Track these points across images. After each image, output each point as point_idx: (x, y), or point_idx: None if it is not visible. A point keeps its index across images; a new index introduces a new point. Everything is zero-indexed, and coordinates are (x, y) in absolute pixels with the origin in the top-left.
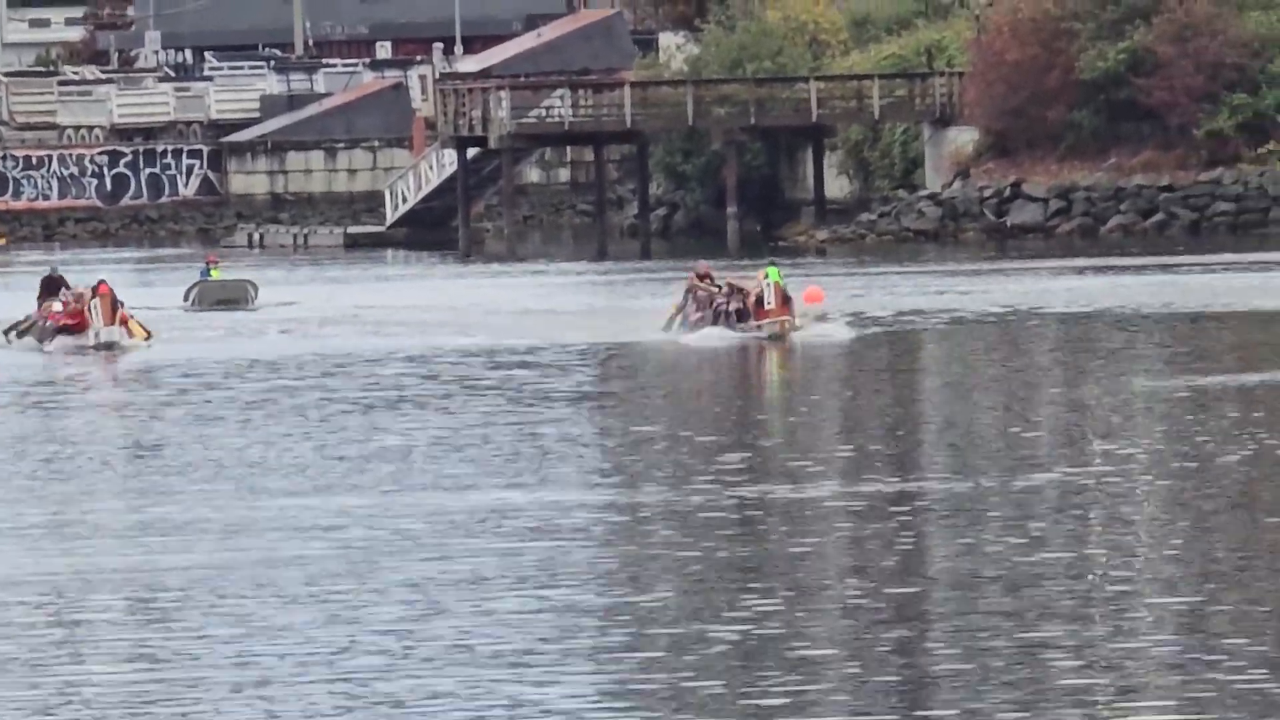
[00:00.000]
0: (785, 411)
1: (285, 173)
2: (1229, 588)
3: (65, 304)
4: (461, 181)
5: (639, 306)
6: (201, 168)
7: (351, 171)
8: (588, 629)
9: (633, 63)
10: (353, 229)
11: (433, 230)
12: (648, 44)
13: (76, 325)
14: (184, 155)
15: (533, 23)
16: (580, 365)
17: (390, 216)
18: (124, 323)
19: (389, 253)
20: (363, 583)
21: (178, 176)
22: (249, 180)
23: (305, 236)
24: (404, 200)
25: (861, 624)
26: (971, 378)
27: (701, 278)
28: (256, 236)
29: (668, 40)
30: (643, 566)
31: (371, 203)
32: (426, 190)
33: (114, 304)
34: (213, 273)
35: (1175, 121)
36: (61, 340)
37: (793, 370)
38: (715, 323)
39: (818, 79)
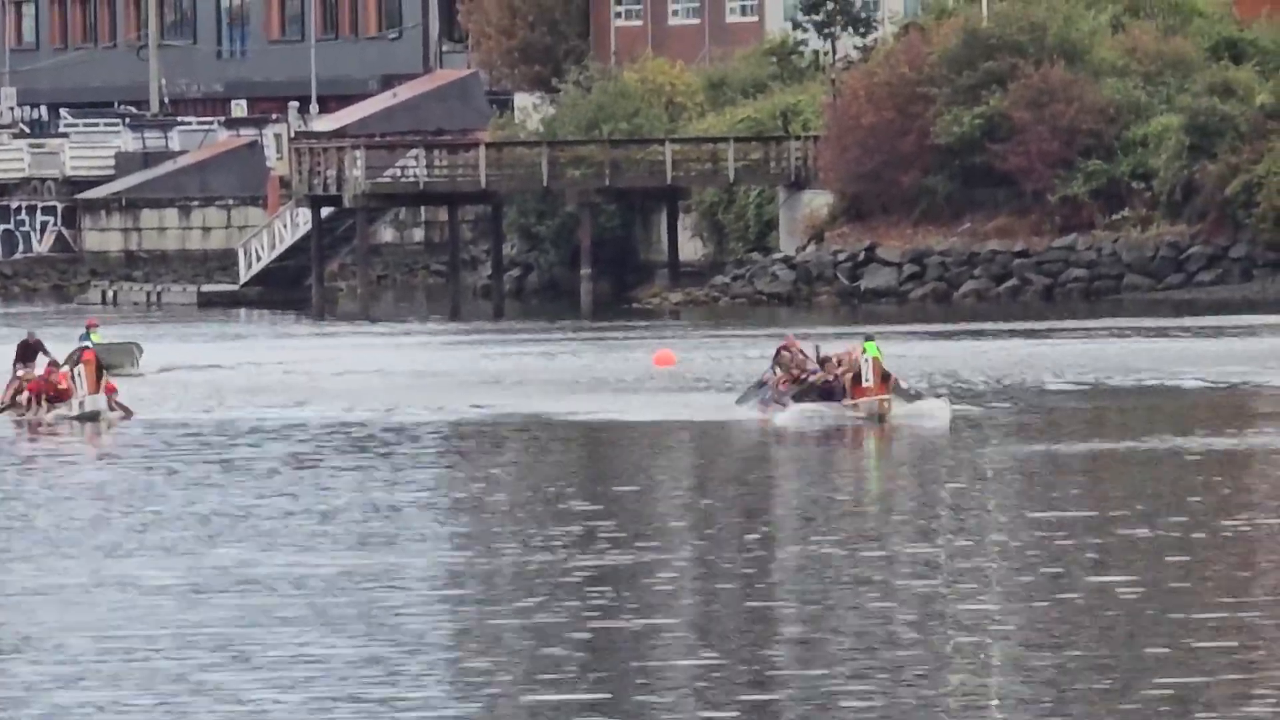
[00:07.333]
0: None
1: (139, 230)
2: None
3: (48, 371)
4: (315, 240)
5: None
6: (56, 224)
7: (206, 229)
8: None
9: (488, 123)
10: (206, 287)
11: (287, 289)
12: (504, 104)
13: (60, 394)
14: (38, 211)
15: (388, 82)
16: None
17: (244, 275)
18: (110, 392)
19: (242, 312)
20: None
21: (32, 233)
22: (103, 237)
23: (159, 294)
24: (258, 259)
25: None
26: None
27: (788, 350)
28: (110, 294)
29: (524, 101)
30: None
31: (225, 261)
32: (281, 249)
33: (99, 371)
34: (93, 336)
35: (1030, 187)
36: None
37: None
38: (804, 398)
39: (673, 141)
